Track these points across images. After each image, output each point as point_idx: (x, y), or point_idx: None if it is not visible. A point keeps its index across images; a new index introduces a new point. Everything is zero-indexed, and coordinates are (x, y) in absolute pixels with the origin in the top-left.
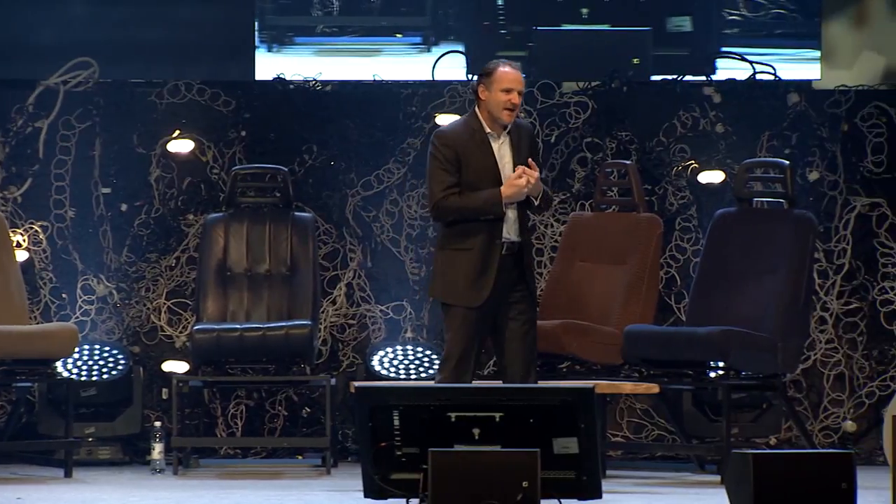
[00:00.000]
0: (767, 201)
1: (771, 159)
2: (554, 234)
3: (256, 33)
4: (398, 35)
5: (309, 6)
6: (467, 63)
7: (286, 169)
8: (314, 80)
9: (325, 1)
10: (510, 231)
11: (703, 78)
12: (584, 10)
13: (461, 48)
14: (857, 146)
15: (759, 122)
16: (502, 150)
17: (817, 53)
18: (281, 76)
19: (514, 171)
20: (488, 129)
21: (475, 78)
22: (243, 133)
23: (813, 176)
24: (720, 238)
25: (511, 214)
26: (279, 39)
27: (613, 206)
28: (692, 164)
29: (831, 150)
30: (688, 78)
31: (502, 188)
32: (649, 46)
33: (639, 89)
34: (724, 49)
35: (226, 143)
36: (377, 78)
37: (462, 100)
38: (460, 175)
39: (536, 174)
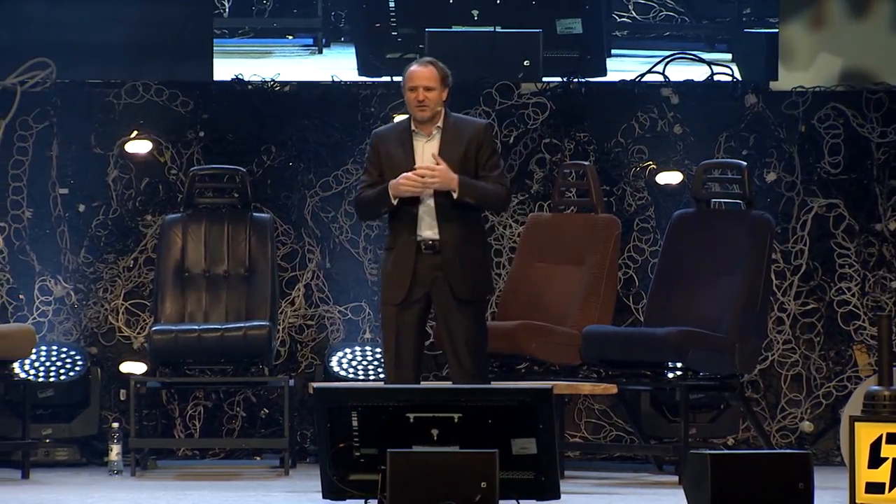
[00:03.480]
0: (725, 202)
1: (728, 160)
2: (512, 235)
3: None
4: (290, 37)
5: None
6: (358, 65)
7: (244, 170)
8: (272, 80)
9: (215, 2)
10: (426, 229)
11: (661, 78)
12: (475, 12)
13: (352, 50)
14: (814, 147)
15: (716, 124)
16: (426, 148)
17: (709, 56)
18: (239, 77)
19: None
20: (414, 128)
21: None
22: (201, 133)
23: (770, 177)
24: (678, 239)
25: (426, 212)
26: None
27: (572, 207)
28: (650, 165)
29: (789, 151)
30: (646, 79)
31: (390, 182)
32: (539, 48)
33: (597, 90)
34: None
35: (184, 144)
36: (335, 78)
37: None
38: (383, 173)
39: (435, 169)
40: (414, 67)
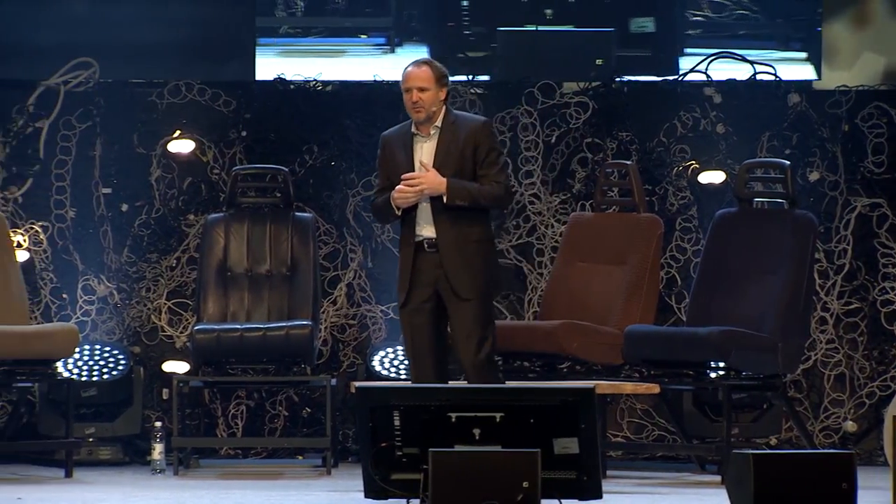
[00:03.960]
0: (768, 202)
1: (771, 159)
2: (554, 235)
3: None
4: (362, 36)
5: (273, 7)
6: None
7: (286, 169)
8: (315, 80)
9: (289, 2)
10: (425, 228)
11: (704, 77)
12: (548, 11)
13: (425, 49)
14: (857, 146)
15: (759, 123)
16: (425, 148)
17: (778, 55)
18: (281, 76)
19: (432, 168)
20: (415, 130)
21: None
22: (244, 133)
23: (813, 176)
24: (721, 238)
25: (424, 211)
26: None
27: (614, 207)
28: (693, 164)
29: (832, 150)
30: (688, 78)
31: (390, 194)
32: (613, 47)
33: (640, 89)
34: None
35: (226, 144)
36: (377, 78)
37: (462, 100)
38: (390, 176)
39: (421, 176)
40: (409, 68)
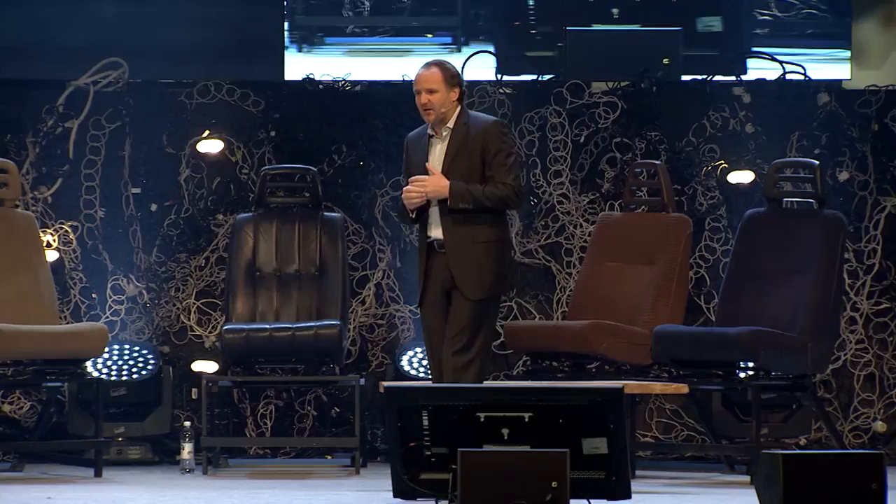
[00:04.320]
0: (797, 201)
1: (801, 159)
2: (583, 235)
3: (287, 33)
4: (429, 35)
5: (339, 6)
6: (497, 63)
7: (315, 169)
8: (343, 80)
9: (355, 1)
10: (435, 230)
11: (733, 78)
12: (615, 10)
13: (491, 48)
14: (887, 146)
15: (788, 122)
16: (438, 150)
17: (847, 53)
18: (310, 76)
19: (441, 170)
20: (431, 131)
21: (502, 78)
22: (272, 133)
23: (843, 176)
24: (750, 238)
25: (435, 213)
26: (309, 40)
27: (643, 207)
28: (722, 164)
29: (861, 149)
30: (717, 78)
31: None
32: (680, 46)
33: (668, 89)
34: (755, 49)
35: (255, 144)
36: (406, 77)
37: (491, 100)
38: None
39: (424, 179)
40: (419, 71)
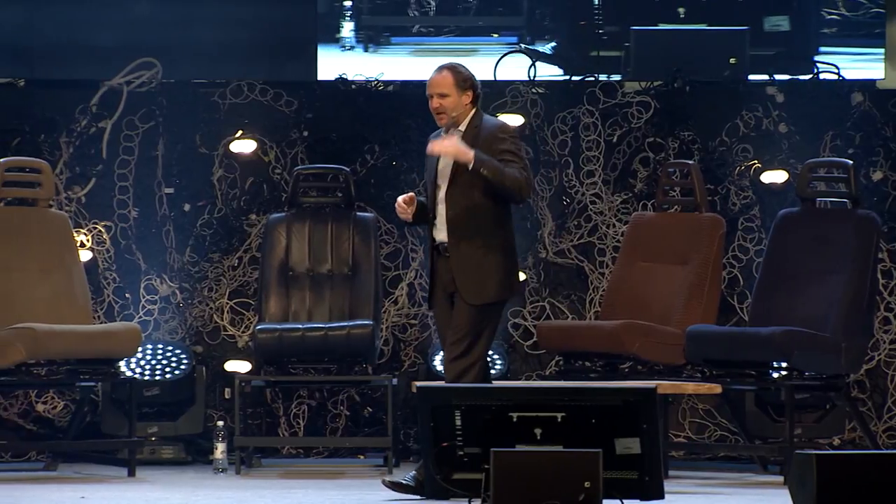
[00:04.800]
0: (831, 201)
1: (834, 159)
2: (616, 234)
3: (353, 33)
4: (494, 35)
5: (405, 6)
6: (561, 64)
7: (348, 169)
8: (376, 80)
9: (421, 1)
10: (440, 233)
11: (766, 77)
12: (682, 10)
13: (550, 47)
14: None
15: (822, 122)
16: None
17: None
18: (343, 76)
19: (450, 173)
20: (444, 135)
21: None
22: (305, 133)
23: (877, 176)
24: (783, 238)
25: (440, 215)
26: (375, 39)
27: (675, 206)
28: (755, 163)
29: (895, 149)
30: (751, 77)
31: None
32: (746, 46)
33: (701, 89)
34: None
35: (288, 144)
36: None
37: (524, 99)
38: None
39: (443, 142)
40: (431, 75)
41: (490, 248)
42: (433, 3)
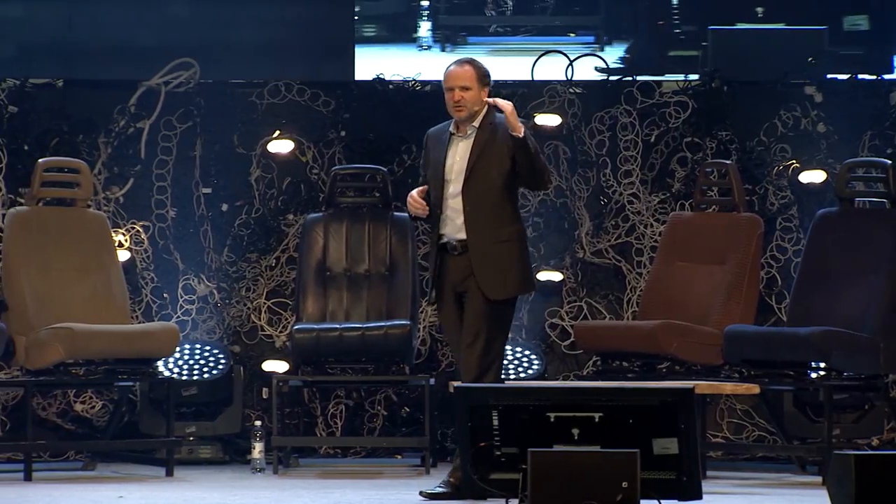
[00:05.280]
0: (869, 201)
1: (873, 159)
2: (653, 234)
3: (430, 33)
4: (571, 34)
5: (483, 6)
6: (634, 63)
7: (385, 169)
8: (413, 80)
9: (499, 1)
10: (453, 230)
11: (804, 79)
12: (760, 9)
13: (624, 48)
14: None
15: (861, 122)
16: (460, 147)
17: None
18: (380, 76)
19: (465, 168)
20: (453, 129)
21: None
22: (343, 133)
23: None
24: (821, 238)
25: (454, 212)
26: (452, 39)
27: (713, 206)
28: (793, 163)
29: None
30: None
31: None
32: (825, 45)
33: (739, 89)
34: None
35: (325, 144)
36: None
37: (561, 99)
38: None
39: (508, 105)
40: (451, 67)
41: (510, 243)
42: (510, 3)
